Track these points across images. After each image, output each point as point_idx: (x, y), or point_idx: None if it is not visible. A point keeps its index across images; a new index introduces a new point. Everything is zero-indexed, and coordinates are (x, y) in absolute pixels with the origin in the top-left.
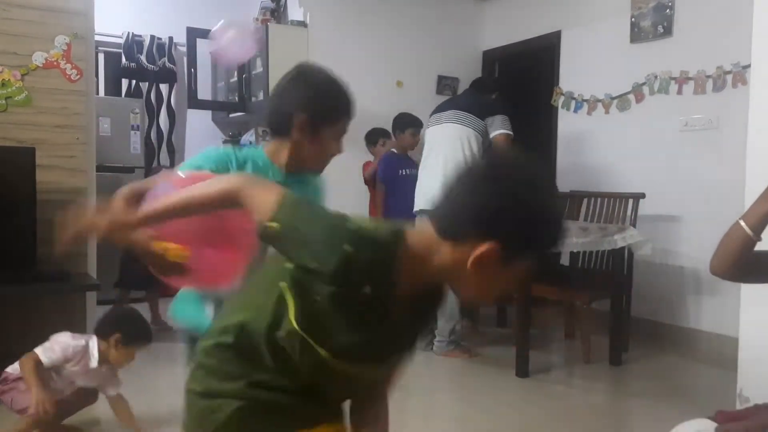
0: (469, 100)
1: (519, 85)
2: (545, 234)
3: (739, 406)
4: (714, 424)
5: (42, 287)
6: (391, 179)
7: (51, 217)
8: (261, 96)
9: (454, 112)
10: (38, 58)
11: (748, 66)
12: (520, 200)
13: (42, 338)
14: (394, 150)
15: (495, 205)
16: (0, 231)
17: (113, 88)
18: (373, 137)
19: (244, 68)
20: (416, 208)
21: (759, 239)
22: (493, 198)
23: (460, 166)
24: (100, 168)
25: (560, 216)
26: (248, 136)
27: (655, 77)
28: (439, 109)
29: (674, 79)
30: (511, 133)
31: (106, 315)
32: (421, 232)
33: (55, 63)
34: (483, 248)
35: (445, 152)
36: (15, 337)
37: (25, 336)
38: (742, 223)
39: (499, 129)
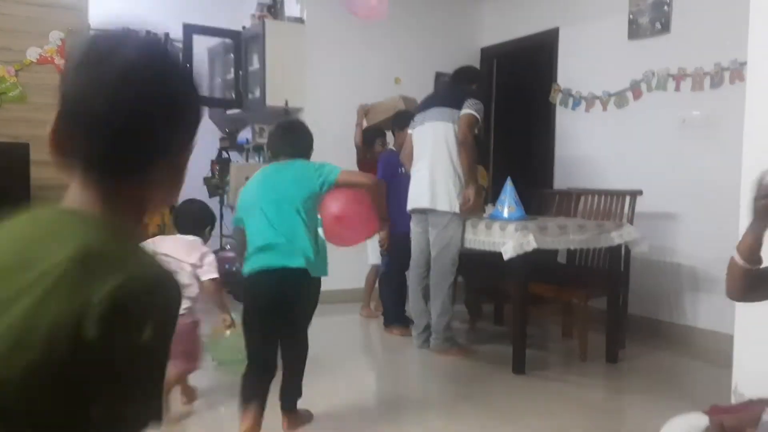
0: (447, 93)
1: (517, 82)
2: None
3: (734, 403)
4: (707, 418)
5: None
6: (390, 178)
7: None
8: (257, 93)
9: (434, 111)
10: (32, 54)
11: (746, 63)
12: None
13: None
14: (393, 148)
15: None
16: None
17: None
18: (369, 138)
19: (240, 65)
20: (409, 208)
21: (756, 265)
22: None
23: (449, 163)
24: None
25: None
26: (245, 134)
27: (653, 74)
28: (422, 107)
29: (672, 76)
30: (474, 113)
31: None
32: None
33: (49, 59)
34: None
35: (428, 153)
36: None
37: None
38: (736, 257)
39: (466, 109)
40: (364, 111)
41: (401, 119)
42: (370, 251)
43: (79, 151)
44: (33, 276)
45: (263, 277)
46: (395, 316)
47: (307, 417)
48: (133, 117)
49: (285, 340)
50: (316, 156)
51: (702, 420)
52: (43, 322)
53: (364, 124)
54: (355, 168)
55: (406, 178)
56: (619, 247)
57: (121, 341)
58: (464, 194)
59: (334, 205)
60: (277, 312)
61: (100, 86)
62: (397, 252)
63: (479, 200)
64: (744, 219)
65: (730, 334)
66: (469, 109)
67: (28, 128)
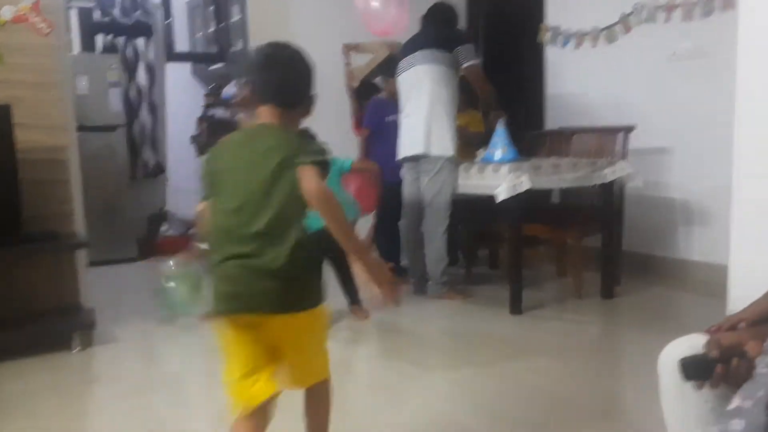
0: (433, 35)
1: (505, 23)
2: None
3: None
4: (705, 337)
5: (29, 248)
6: (377, 126)
7: (34, 176)
8: (240, 45)
9: (422, 53)
10: (6, 13)
11: None
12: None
13: (35, 297)
14: (382, 96)
15: (297, 80)
16: None
17: (88, 45)
18: (365, 92)
19: (221, 17)
20: (399, 157)
21: None
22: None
23: (441, 107)
24: (80, 128)
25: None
26: (229, 89)
27: (642, 6)
28: (406, 51)
29: (661, 7)
30: (478, 62)
31: None
32: (272, 114)
33: (24, 17)
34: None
35: (422, 97)
36: (4, 299)
37: (15, 298)
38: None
39: (468, 60)
40: (349, 49)
41: (392, 66)
42: None
43: (268, 99)
44: (263, 149)
45: None
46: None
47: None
48: (294, 81)
49: None
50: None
51: (701, 339)
52: (279, 168)
53: (353, 64)
54: (348, 120)
55: (393, 126)
56: (612, 183)
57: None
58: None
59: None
60: None
61: (277, 69)
62: (387, 202)
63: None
64: (738, 151)
65: (723, 265)
66: (470, 59)
67: (7, 89)
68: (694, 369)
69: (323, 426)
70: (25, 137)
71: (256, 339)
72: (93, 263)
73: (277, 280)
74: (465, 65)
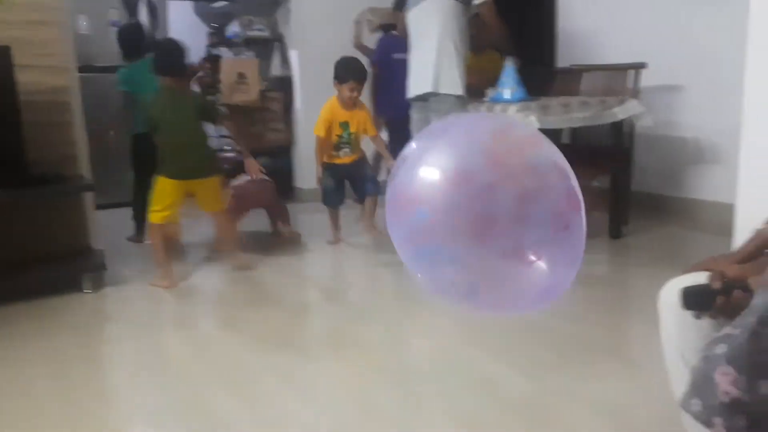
0: None
1: None
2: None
3: None
4: (707, 273)
5: (35, 191)
6: (385, 63)
7: (37, 119)
8: None
9: None
10: None
11: None
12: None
13: (44, 240)
14: (394, 32)
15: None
16: None
17: None
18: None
19: None
20: (410, 95)
21: None
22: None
23: (451, 44)
24: (81, 68)
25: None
26: (233, 27)
27: None
28: None
29: None
30: None
31: None
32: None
33: None
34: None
35: (432, 33)
36: (15, 243)
37: (26, 241)
38: None
39: None
40: (361, 21)
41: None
42: None
43: (169, 74)
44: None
45: None
46: None
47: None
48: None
49: None
50: (317, 47)
51: (702, 276)
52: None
53: (366, 30)
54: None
55: (401, 64)
56: (621, 123)
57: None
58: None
59: None
60: None
61: (169, 54)
62: (394, 136)
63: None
64: (748, 90)
65: (732, 204)
66: None
67: (6, 29)
68: (696, 298)
69: (231, 233)
70: (26, 78)
71: (184, 190)
72: (100, 206)
73: (207, 162)
74: (479, 1)
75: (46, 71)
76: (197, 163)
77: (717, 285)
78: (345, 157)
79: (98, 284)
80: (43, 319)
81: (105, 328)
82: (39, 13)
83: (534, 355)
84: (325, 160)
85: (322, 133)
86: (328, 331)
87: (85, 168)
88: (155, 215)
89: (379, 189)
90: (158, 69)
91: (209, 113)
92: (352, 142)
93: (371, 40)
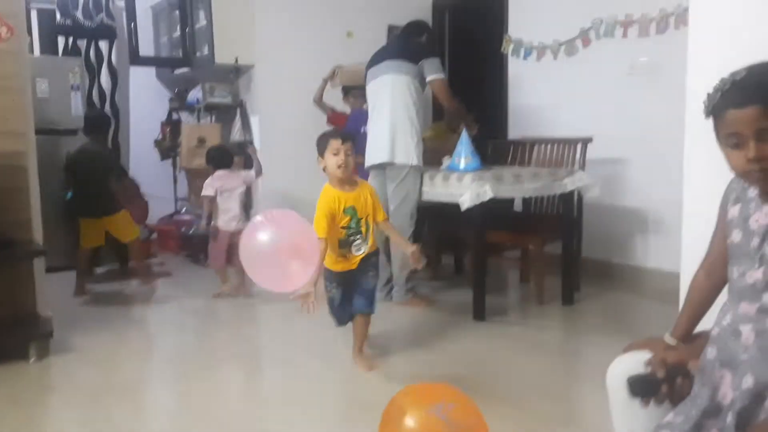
0: (400, 46)
1: (469, 34)
2: None
3: None
4: (648, 354)
5: None
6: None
7: None
8: (206, 50)
9: (387, 64)
10: None
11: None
12: None
13: None
14: (365, 108)
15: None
16: None
17: (49, 47)
18: (344, 90)
19: (186, 22)
20: (367, 165)
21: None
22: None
23: (405, 116)
24: (41, 131)
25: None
26: (195, 93)
27: (601, 21)
28: (373, 62)
29: (619, 22)
30: (443, 76)
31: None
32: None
33: None
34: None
35: (386, 105)
36: None
37: None
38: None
39: (433, 74)
40: (333, 71)
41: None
42: None
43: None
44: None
45: None
46: None
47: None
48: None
49: None
50: (277, 113)
51: (645, 356)
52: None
53: (329, 85)
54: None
55: (364, 137)
56: (571, 193)
57: None
58: (469, 126)
59: None
60: None
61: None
62: None
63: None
64: (688, 164)
65: (677, 272)
66: (435, 73)
67: None
68: (641, 387)
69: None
70: None
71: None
72: (49, 269)
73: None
74: (429, 79)
75: (3, 136)
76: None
77: (661, 374)
78: (358, 255)
79: (44, 352)
80: None
81: (48, 400)
82: None
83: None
84: (328, 265)
85: (323, 233)
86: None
87: (37, 232)
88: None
89: (374, 305)
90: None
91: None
92: (365, 231)
93: (334, 96)
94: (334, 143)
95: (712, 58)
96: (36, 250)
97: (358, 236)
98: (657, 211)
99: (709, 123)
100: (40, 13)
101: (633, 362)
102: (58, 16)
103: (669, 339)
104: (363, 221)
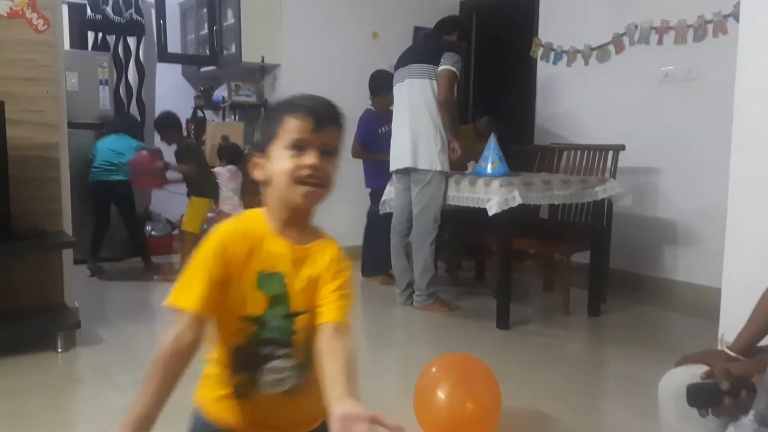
0: (424, 48)
1: (497, 37)
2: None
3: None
4: (704, 367)
5: (18, 246)
6: (368, 138)
7: (24, 174)
8: (233, 49)
9: (411, 67)
10: (2, 7)
11: (729, 15)
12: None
13: (20, 296)
14: (372, 108)
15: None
16: None
17: (79, 42)
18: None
19: (214, 20)
20: (392, 169)
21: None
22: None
23: (429, 120)
24: (69, 124)
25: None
26: (220, 91)
27: (636, 27)
28: (399, 63)
29: (655, 28)
30: (453, 69)
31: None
32: None
33: (20, 12)
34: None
35: (409, 110)
36: None
37: (2, 294)
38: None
39: (444, 65)
40: None
41: (379, 83)
42: None
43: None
44: None
45: None
46: (377, 265)
47: None
48: None
49: None
50: None
51: (700, 369)
52: None
53: None
54: None
55: (386, 137)
56: (602, 201)
57: None
58: (451, 146)
59: None
60: None
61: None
62: (376, 211)
63: (467, 153)
64: (734, 174)
65: (711, 286)
66: (446, 64)
67: (2, 85)
68: (703, 396)
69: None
70: (16, 133)
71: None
72: (77, 261)
73: None
74: (439, 69)
75: (36, 127)
76: None
77: (725, 385)
78: (274, 395)
79: (71, 343)
80: (15, 376)
81: (76, 389)
82: (34, 70)
83: None
84: (205, 405)
85: (195, 303)
86: None
87: (67, 223)
88: None
89: None
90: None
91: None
92: (300, 345)
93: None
94: (298, 125)
95: (762, 65)
96: (66, 241)
97: (281, 351)
98: (689, 223)
99: (758, 132)
100: (71, 7)
101: (688, 375)
102: (88, 11)
103: (729, 352)
104: (298, 322)
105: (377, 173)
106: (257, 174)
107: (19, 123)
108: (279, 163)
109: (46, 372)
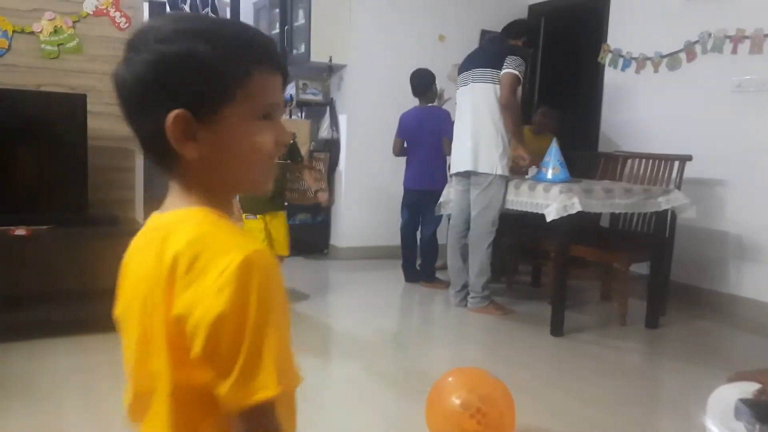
0: (489, 52)
1: (565, 41)
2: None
3: None
4: (757, 385)
5: (93, 230)
6: (410, 135)
7: (102, 163)
8: (302, 48)
9: (474, 72)
10: (89, 6)
11: None
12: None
13: (92, 278)
14: (420, 107)
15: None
16: (54, 175)
17: None
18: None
19: (285, 20)
20: (452, 171)
21: None
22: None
23: (491, 124)
24: None
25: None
26: (289, 89)
27: (709, 35)
28: (464, 67)
29: (729, 37)
30: (516, 72)
31: None
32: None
33: (104, 11)
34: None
35: (468, 115)
36: (66, 278)
37: (77, 277)
38: None
39: (507, 68)
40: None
41: (417, 85)
42: None
43: None
44: None
45: None
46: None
47: None
48: None
49: None
50: (365, 113)
51: (753, 386)
52: None
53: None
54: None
55: (428, 136)
56: (665, 212)
57: None
58: (519, 154)
59: None
60: None
61: None
62: (409, 208)
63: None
64: None
65: None
66: (510, 68)
67: (85, 79)
68: (753, 411)
69: None
70: (97, 125)
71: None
72: None
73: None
74: (502, 72)
75: (116, 119)
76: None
77: None
78: None
79: None
80: (84, 354)
81: None
82: (114, 65)
83: None
84: None
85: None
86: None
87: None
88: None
89: None
90: None
91: (294, 155)
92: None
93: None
94: (274, 84)
95: None
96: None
97: None
98: (755, 238)
99: None
100: (152, 5)
101: (738, 391)
102: (167, 9)
103: None
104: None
105: (412, 171)
106: (188, 150)
107: (99, 115)
108: (254, 136)
109: (115, 351)
